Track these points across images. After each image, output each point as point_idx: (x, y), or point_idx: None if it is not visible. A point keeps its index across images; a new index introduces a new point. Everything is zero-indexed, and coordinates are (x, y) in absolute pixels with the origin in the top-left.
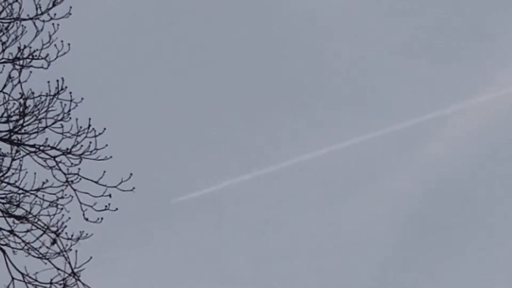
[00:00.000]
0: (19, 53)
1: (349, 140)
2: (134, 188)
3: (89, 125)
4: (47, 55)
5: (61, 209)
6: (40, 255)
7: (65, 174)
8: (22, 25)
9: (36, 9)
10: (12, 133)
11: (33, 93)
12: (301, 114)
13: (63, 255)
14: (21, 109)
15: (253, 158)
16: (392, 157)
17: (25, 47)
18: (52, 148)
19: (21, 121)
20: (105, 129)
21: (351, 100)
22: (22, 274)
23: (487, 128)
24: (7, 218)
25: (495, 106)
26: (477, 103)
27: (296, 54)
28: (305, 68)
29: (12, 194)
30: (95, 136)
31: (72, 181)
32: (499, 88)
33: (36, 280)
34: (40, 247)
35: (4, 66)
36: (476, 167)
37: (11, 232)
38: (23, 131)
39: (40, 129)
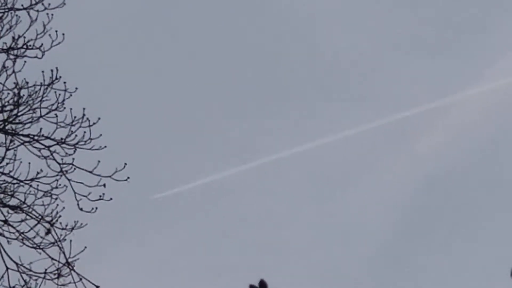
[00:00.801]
0: (14, 43)
1: (342, 132)
2: (128, 178)
3: (83, 115)
4: (41, 45)
5: (56, 199)
6: (35, 245)
7: (59, 164)
8: (17, 15)
9: None
10: (6, 123)
11: (27, 83)
12: (294, 106)
13: (58, 245)
14: (15, 99)
15: (244, 150)
16: (386, 149)
17: (19, 37)
18: (47, 138)
19: (15, 111)
20: (99, 119)
21: (345, 92)
22: (17, 263)
23: (481, 120)
24: (2, 208)
25: (489, 99)
26: (471, 96)
27: (290, 46)
28: (299, 60)
29: (6, 184)
30: (89, 126)
31: (66, 171)
32: (492, 81)
33: (30, 270)
34: (34, 237)
35: None
36: (470, 160)
37: (5, 222)
38: (17, 121)
39: (35, 119)
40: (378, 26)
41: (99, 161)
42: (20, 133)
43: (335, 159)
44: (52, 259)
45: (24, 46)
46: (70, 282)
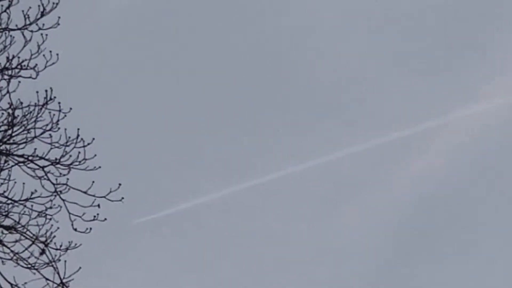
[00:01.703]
0: (8, 63)
1: (337, 152)
2: (123, 198)
3: (78, 135)
4: (36, 65)
5: (50, 219)
6: (29, 265)
7: (53, 184)
8: (11, 35)
9: (25, 19)
10: (0, 144)
11: (21, 103)
12: (288, 126)
13: (52, 266)
14: (9, 119)
15: (239, 170)
16: (381, 169)
17: (13, 57)
18: (41, 158)
19: (9, 131)
20: (93, 139)
21: (340, 112)
22: (11, 284)
23: (476, 140)
24: None
25: (484, 118)
26: (465, 116)
27: (285, 66)
28: (294, 80)
29: (0, 204)
30: (84, 146)
31: (60, 191)
32: (487, 100)
33: None
34: (29, 257)
35: None
36: (464, 180)
37: (0, 242)
38: (11, 141)
39: (29, 139)
40: (372, 45)
41: (93, 182)
42: (15, 153)
43: (330, 179)
44: (47, 279)
45: (18, 67)
46: None
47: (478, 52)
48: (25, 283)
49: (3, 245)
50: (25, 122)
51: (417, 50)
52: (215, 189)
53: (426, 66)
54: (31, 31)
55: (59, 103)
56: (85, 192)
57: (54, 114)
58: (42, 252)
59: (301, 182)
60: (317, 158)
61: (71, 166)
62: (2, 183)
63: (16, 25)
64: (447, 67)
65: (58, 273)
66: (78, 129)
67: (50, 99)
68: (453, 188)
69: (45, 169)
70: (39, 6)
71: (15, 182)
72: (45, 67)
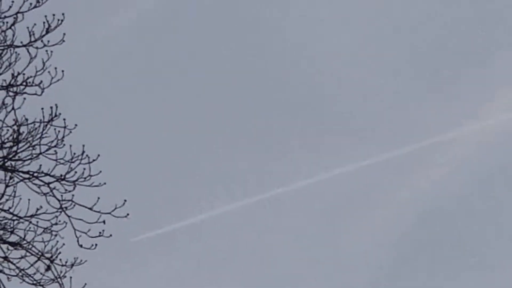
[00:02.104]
0: (13, 80)
1: (342, 168)
2: (128, 214)
3: (83, 152)
4: (41, 82)
5: (55, 235)
6: (35, 282)
7: (59, 200)
8: (16, 52)
9: (30, 36)
10: (6, 160)
11: (26, 119)
12: (293, 141)
13: (58, 282)
14: (15, 136)
15: (243, 186)
16: (385, 184)
17: (18, 74)
18: (46, 174)
19: (15, 148)
20: (99, 155)
21: (344, 128)
22: None
23: (479, 156)
24: (1, 245)
25: (487, 134)
26: (469, 132)
27: (291, 80)
28: (299, 95)
29: (6, 221)
30: (89, 162)
31: (66, 208)
32: (490, 116)
33: None
34: (34, 274)
35: None
36: (468, 195)
37: (5, 258)
38: (17, 157)
39: (34, 155)
40: (377, 61)
41: (98, 198)
42: (20, 170)
43: (335, 195)
44: None
45: (24, 83)
46: None
47: (481, 68)
48: None
49: (9, 261)
50: (30, 139)
51: (422, 67)
52: (221, 204)
53: (430, 82)
54: (36, 47)
55: (64, 119)
56: (90, 209)
57: (59, 131)
58: (48, 268)
59: (306, 198)
60: (322, 174)
61: (77, 182)
62: (7, 200)
63: (21, 42)
64: (450, 83)
65: None
66: (83, 145)
67: (55, 115)
68: (457, 203)
69: (51, 185)
70: (44, 22)
71: (21, 199)
72: (50, 83)
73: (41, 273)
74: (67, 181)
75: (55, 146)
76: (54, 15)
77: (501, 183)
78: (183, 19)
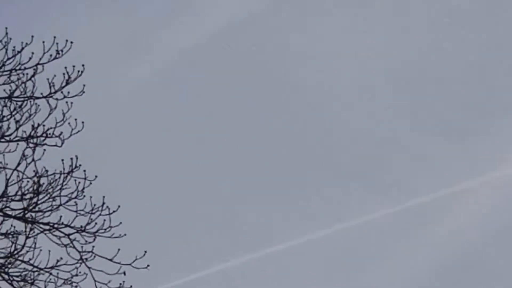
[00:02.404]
0: (33, 131)
1: (358, 218)
2: (148, 265)
3: (103, 203)
4: (61, 133)
5: (76, 287)
6: None
7: (79, 252)
8: (36, 104)
9: (50, 87)
10: (26, 211)
11: (47, 171)
12: (307, 192)
13: None
14: (35, 187)
15: (257, 237)
16: (403, 234)
17: (38, 125)
18: (66, 226)
19: (35, 199)
20: (119, 206)
21: (361, 177)
22: None
23: (499, 206)
24: None
25: (506, 184)
26: (488, 181)
27: (304, 130)
28: (313, 144)
29: (26, 272)
30: (109, 214)
31: (86, 259)
32: (508, 166)
33: None
34: None
35: (18, 144)
36: (487, 245)
37: None
38: (37, 209)
39: (54, 207)
40: (397, 110)
41: (119, 249)
42: (40, 221)
43: (351, 245)
44: None
45: (44, 135)
46: None
47: (500, 118)
48: None
49: None
50: (50, 190)
51: (440, 115)
52: (233, 256)
53: (451, 130)
54: (56, 99)
55: (84, 171)
56: (110, 260)
57: (79, 182)
58: None
59: (321, 248)
60: (339, 224)
61: (97, 233)
62: (28, 251)
63: (41, 93)
64: (469, 132)
65: None
66: (104, 196)
67: (76, 167)
68: (476, 253)
69: (71, 236)
70: (64, 74)
71: (41, 250)
72: (70, 135)
73: None
74: (88, 232)
75: (75, 198)
76: (74, 66)
77: None
78: (200, 71)
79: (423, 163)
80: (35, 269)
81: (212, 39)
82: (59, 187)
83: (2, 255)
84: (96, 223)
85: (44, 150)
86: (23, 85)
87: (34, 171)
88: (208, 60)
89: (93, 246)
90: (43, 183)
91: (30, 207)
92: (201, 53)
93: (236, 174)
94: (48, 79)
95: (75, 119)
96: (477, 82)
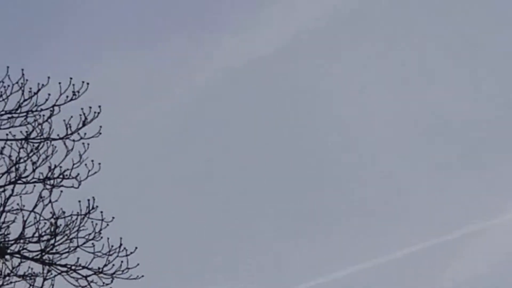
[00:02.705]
0: (50, 173)
1: (376, 259)
2: None
3: (121, 244)
4: (78, 174)
5: None
6: None
7: None
8: (53, 145)
9: (66, 129)
10: (43, 253)
11: (64, 212)
12: (325, 233)
13: None
14: (52, 229)
15: (277, 276)
16: (420, 275)
17: (55, 166)
18: (84, 267)
19: (52, 241)
20: (136, 248)
21: (376, 218)
22: None
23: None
24: None
25: None
26: (504, 221)
27: (322, 171)
28: (333, 188)
29: None
30: (127, 255)
31: None
32: None
33: None
34: None
35: (35, 186)
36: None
37: None
38: (54, 250)
39: (72, 248)
40: (413, 150)
41: None
42: (57, 263)
43: (369, 286)
44: None
45: (61, 176)
46: None
47: None
48: None
49: None
50: (67, 232)
51: (454, 154)
52: None
53: (464, 170)
54: (73, 140)
55: (101, 212)
56: None
57: (96, 224)
58: None
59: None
60: (354, 265)
61: (114, 275)
62: None
63: (58, 135)
64: (485, 171)
65: None
66: (121, 238)
67: (93, 208)
68: None
69: (88, 278)
70: (80, 115)
71: None
72: (87, 176)
73: None
74: (105, 274)
75: (92, 239)
76: (90, 107)
77: None
78: (217, 111)
79: (441, 202)
80: None
81: (228, 75)
82: (76, 228)
83: None
84: (113, 265)
85: (61, 191)
86: (39, 126)
87: (51, 212)
88: (226, 98)
89: None
90: (60, 225)
91: (48, 249)
92: (216, 93)
93: (253, 211)
94: (64, 120)
95: (92, 160)
96: (497, 117)
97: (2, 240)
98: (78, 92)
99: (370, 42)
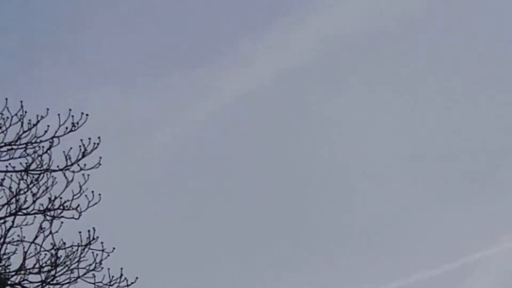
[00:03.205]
0: (50, 204)
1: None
2: None
3: (121, 275)
4: (78, 205)
5: None
6: None
7: None
8: (53, 176)
9: (66, 160)
10: (44, 284)
11: (64, 243)
12: (313, 260)
13: None
14: (53, 260)
15: None
16: None
17: (55, 198)
18: None
19: (53, 272)
20: (137, 278)
21: (376, 248)
22: None
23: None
24: None
25: None
26: (504, 249)
27: (324, 195)
28: (329, 213)
29: None
30: (128, 285)
31: None
32: None
33: None
34: None
35: (35, 217)
36: None
37: None
38: (55, 281)
39: (72, 279)
40: (413, 179)
41: None
42: None
43: None
44: None
45: (61, 207)
46: None
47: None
48: None
49: None
50: (68, 263)
51: (456, 182)
52: None
53: (464, 198)
54: (73, 171)
55: (102, 243)
56: None
57: (97, 254)
58: None
59: None
60: None
61: None
62: None
63: (58, 166)
64: (484, 198)
65: None
66: (122, 268)
67: (93, 239)
68: None
69: None
70: (80, 146)
71: None
72: (88, 207)
73: None
74: None
75: (93, 270)
76: (90, 138)
77: None
78: (218, 141)
79: (437, 233)
80: None
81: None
82: (77, 259)
83: None
84: None
85: (62, 222)
86: (39, 158)
87: (51, 243)
88: (227, 131)
89: None
90: (61, 256)
91: (48, 280)
92: (219, 125)
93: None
94: (64, 151)
95: (92, 191)
96: (491, 148)
97: (3, 271)
98: (78, 123)
99: (372, 71)
